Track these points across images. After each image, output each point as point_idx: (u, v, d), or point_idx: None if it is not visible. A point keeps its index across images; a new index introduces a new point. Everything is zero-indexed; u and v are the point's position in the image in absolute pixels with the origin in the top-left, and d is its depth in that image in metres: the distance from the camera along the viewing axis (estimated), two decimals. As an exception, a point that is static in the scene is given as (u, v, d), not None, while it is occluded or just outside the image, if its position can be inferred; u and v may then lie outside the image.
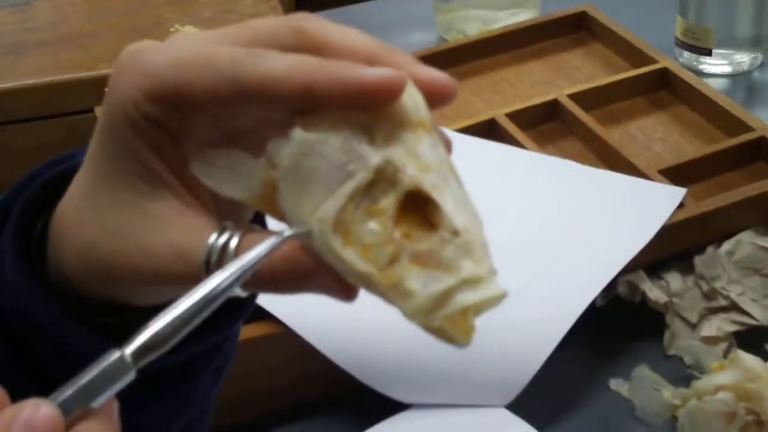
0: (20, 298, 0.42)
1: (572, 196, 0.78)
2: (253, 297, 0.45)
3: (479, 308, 0.35)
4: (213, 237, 0.38)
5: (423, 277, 0.34)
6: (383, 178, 0.35)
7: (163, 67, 0.38)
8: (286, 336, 0.68)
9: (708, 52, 1.03)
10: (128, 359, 0.35)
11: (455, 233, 0.34)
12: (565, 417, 0.70)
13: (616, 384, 0.70)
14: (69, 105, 0.96)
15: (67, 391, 0.34)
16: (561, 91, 0.90)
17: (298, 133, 0.36)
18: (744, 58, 1.04)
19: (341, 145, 0.36)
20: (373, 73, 0.35)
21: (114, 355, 0.35)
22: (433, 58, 0.97)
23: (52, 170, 0.44)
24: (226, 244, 0.38)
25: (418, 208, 0.35)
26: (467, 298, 0.34)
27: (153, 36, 1.01)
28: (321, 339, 0.69)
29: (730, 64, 1.04)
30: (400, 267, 0.35)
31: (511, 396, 0.69)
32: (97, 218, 0.40)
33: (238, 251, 0.38)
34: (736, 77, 1.04)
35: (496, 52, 0.99)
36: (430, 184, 0.35)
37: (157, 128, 0.39)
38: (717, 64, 1.04)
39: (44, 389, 0.34)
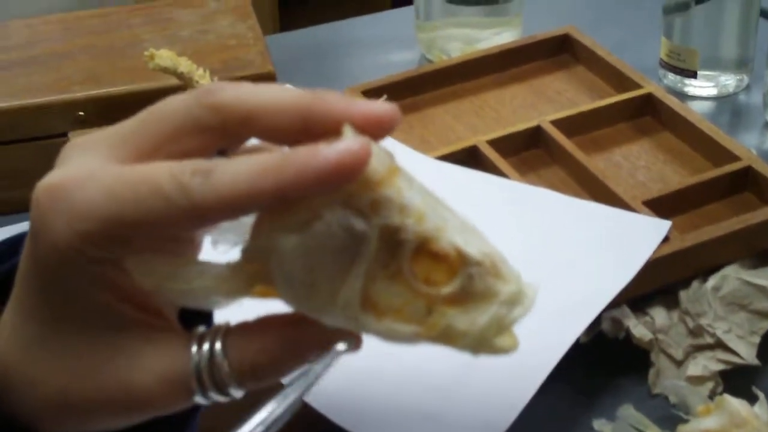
0: None
1: (554, 229, 0.76)
2: (196, 412, 0.43)
3: (523, 315, 0.36)
4: (194, 350, 0.36)
5: (466, 314, 0.35)
6: (387, 243, 0.34)
7: (99, 206, 0.34)
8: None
9: (693, 74, 1.01)
10: None
11: (477, 264, 0.34)
12: (548, 459, 0.69)
13: (600, 424, 0.69)
14: (41, 129, 0.93)
15: None
16: (543, 117, 0.88)
17: (289, 241, 0.34)
18: (729, 80, 1.02)
19: (333, 230, 0.34)
20: (336, 152, 0.32)
21: None
22: (414, 81, 0.95)
23: None
24: (212, 350, 0.36)
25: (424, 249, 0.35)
26: (516, 314, 0.35)
27: (129, 57, 0.99)
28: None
29: (716, 86, 1.02)
30: (439, 314, 0.35)
31: (493, 438, 0.67)
32: (61, 366, 0.37)
33: (229, 351, 0.36)
34: (721, 99, 1.03)
35: (477, 74, 0.97)
36: (433, 229, 0.34)
37: (101, 264, 0.35)
38: (702, 87, 1.02)
39: None
